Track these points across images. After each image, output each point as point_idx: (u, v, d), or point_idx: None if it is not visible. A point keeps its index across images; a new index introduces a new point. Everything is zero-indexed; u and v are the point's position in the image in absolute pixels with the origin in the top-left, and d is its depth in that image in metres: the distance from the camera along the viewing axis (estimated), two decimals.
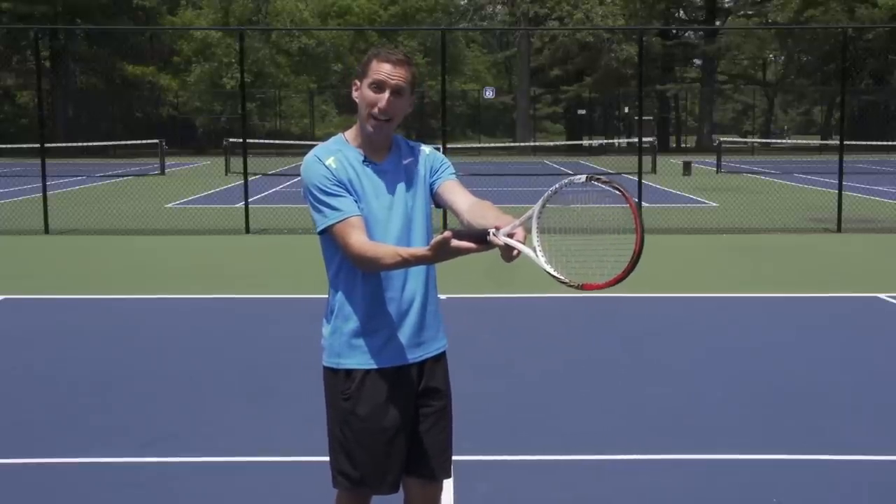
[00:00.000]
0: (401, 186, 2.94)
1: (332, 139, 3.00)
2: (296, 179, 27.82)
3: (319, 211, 2.86)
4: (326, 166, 2.87)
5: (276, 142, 42.38)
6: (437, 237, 2.61)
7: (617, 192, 2.52)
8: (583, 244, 2.65)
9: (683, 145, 58.41)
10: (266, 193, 22.22)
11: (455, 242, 2.56)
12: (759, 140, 52.45)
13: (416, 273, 2.95)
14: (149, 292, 9.45)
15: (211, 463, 4.76)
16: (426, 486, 3.07)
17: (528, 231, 2.63)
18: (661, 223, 14.92)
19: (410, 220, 2.94)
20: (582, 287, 2.58)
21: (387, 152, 2.97)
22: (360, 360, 2.93)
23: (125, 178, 28.17)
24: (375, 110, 2.86)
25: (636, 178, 15.61)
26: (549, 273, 2.61)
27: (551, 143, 48.66)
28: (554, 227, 2.67)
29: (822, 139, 53.16)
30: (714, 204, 19.23)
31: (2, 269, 11.19)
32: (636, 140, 19.35)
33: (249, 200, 15.26)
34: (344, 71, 53.64)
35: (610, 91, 55.79)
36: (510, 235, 2.58)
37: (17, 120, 48.07)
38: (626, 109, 53.98)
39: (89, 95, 51.27)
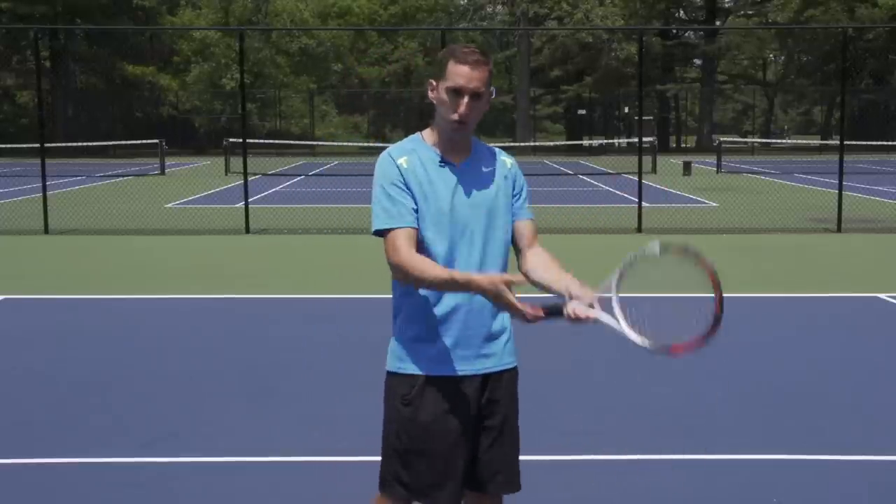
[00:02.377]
0: (480, 189, 2.86)
1: (409, 138, 2.94)
2: (296, 179, 27.85)
3: (378, 212, 2.82)
4: (398, 166, 2.81)
5: (276, 142, 42.41)
6: (499, 278, 2.59)
7: (693, 258, 2.52)
8: (661, 310, 2.65)
9: (683, 145, 58.39)
10: (266, 193, 22.22)
11: (509, 295, 2.58)
12: (759, 140, 52.46)
13: None
14: (149, 292, 9.45)
15: (211, 463, 4.76)
16: (492, 500, 2.98)
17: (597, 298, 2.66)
18: (661, 223, 14.91)
19: (490, 225, 2.86)
20: (669, 351, 2.63)
21: (466, 155, 2.89)
22: (422, 365, 2.85)
23: (125, 178, 28.17)
24: (455, 116, 2.78)
25: (636, 178, 15.60)
26: (636, 342, 2.63)
27: (551, 143, 48.65)
28: (632, 297, 2.68)
29: (822, 139, 53.18)
30: (714, 204, 19.22)
31: (2, 269, 11.19)
32: (636, 140, 19.35)
33: (249, 200, 15.26)
34: (344, 71, 53.66)
35: (610, 91, 55.78)
36: (590, 305, 2.63)
37: (17, 120, 48.07)
38: (626, 109, 53.98)
39: (89, 95, 51.26)
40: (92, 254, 12.57)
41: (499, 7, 64.05)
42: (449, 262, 2.80)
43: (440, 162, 2.85)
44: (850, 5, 48.08)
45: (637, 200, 15.06)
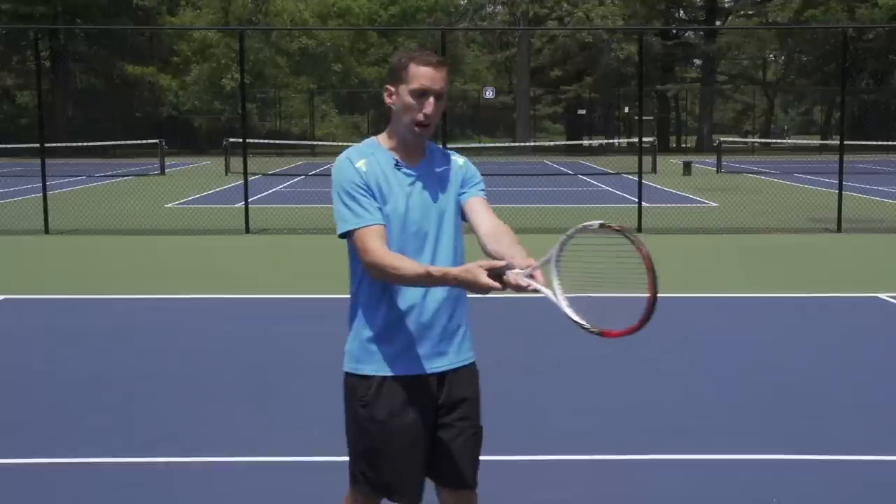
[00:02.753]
0: (432, 191, 2.91)
1: (366, 142, 2.97)
2: (296, 179, 27.85)
3: (342, 214, 2.84)
4: (356, 169, 2.85)
5: (276, 142, 42.41)
6: (475, 265, 2.60)
7: (629, 241, 2.49)
8: (600, 290, 2.65)
9: (683, 145, 58.40)
10: (266, 193, 22.22)
11: (484, 278, 2.56)
12: (759, 140, 52.47)
13: None
14: (149, 292, 9.45)
15: (211, 463, 4.76)
16: (459, 496, 3.02)
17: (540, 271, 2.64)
18: (661, 223, 14.91)
19: (440, 226, 2.91)
20: (602, 334, 2.60)
21: (420, 157, 2.94)
22: (377, 366, 2.91)
23: (125, 178, 28.18)
24: (421, 117, 2.83)
25: (636, 178, 15.60)
26: (571, 318, 2.62)
27: (551, 143, 48.66)
28: (571, 272, 2.67)
29: (822, 139, 53.19)
30: (714, 204, 19.23)
31: (2, 269, 11.19)
32: (636, 140, 19.35)
33: (249, 200, 15.27)
34: (344, 71, 53.61)
35: (610, 91, 55.77)
36: (531, 276, 2.61)
37: (17, 120, 48.05)
38: (626, 109, 53.98)
39: (89, 95, 51.24)
40: (92, 254, 12.57)
41: (499, 7, 64.07)
42: None
43: (395, 165, 2.89)
44: (850, 5, 48.07)
45: (637, 200, 15.06)
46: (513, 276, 2.60)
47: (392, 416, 2.89)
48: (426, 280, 2.72)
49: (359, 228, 2.81)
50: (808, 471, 4.65)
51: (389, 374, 2.90)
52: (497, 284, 2.59)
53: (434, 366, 2.93)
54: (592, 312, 2.62)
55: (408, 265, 2.73)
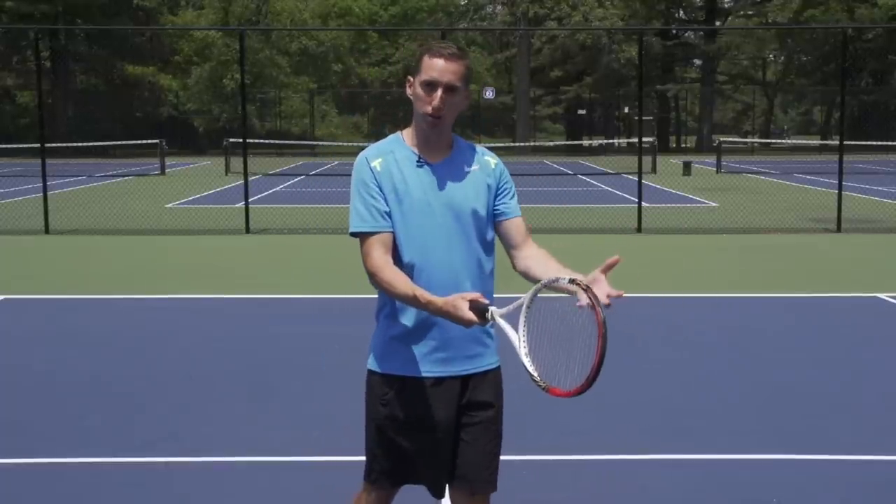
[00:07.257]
0: (455, 190, 2.82)
1: (389, 137, 2.92)
2: (296, 179, 27.87)
3: (352, 214, 2.82)
4: (371, 168, 2.80)
5: (276, 142, 42.44)
6: (458, 297, 2.60)
7: (589, 304, 2.49)
8: (556, 346, 2.64)
9: (683, 145, 58.41)
10: (266, 193, 22.22)
11: (466, 312, 2.56)
12: (759, 140, 52.47)
13: (472, 284, 2.82)
14: (149, 292, 9.45)
15: (211, 463, 4.77)
16: (471, 499, 2.95)
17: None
18: (661, 223, 14.91)
19: (464, 229, 2.83)
20: (548, 390, 2.61)
21: (445, 154, 2.86)
22: (400, 366, 2.85)
23: (125, 178, 28.18)
24: (429, 109, 2.77)
25: (636, 178, 15.60)
26: (525, 367, 2.62)
27: (551, 143, 48.65)
28: (535, 322, 2.67)
29: (822, 139, 53.19)
30: (714, 204, 19.23)
31: (2, 269, 11.19)
32: (636, 140, 19.35)
33: (249, 200, 15.27)
34: (344, 71, 53.62)
35: (610, 91, 55.77)
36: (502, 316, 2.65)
37: (17, 120, 48.04)
38: (626, 109, 53.98)
39: (89, 95, 51.23)
40: (92, 254, 12.57)
41: (499, 7, 64.02)
42: (423, 266, 2.79)
43: (417, 162, 2.83)
44: (850, 5, 48.09)
45: (637, 200, 15.06)
46: (496, 313, 2.62)
47: (413, 418, 2.83)
48: (413, 302, 2.70)
49: (366, 234, 2.79)
50: (808, 471, 4.65)
51: (413, 374, 2.83)
52: (478, 320, 2.59)
53: (459, 369, 2.87)
54: (544, 365, 2.63)
55: (400, 284, 2.71)
